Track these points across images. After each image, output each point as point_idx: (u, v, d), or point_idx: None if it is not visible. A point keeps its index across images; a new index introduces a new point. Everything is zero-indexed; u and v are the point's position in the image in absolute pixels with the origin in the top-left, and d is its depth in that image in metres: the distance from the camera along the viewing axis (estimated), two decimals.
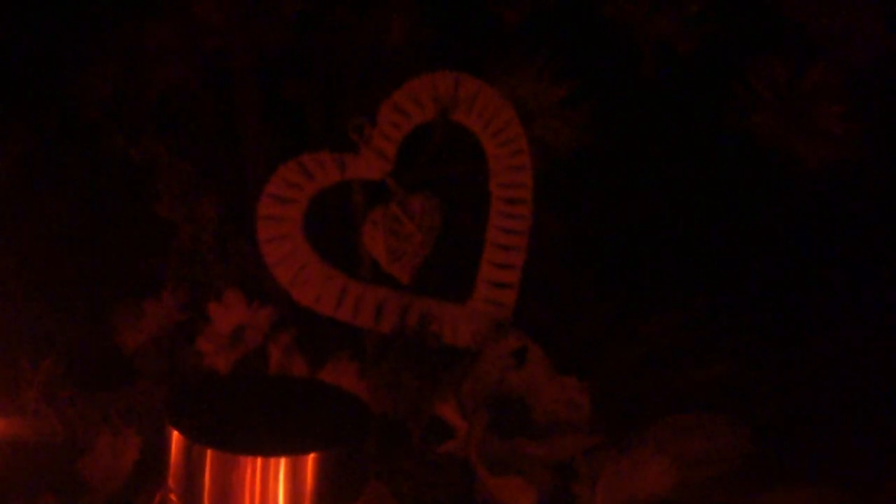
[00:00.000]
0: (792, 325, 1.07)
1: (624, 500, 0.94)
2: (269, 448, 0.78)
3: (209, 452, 0.78)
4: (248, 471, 0.77)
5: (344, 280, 1.04)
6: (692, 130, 1.06)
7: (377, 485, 0.87)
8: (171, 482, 0.79)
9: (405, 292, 1.04)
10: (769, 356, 1.05)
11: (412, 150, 1.03)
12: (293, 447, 0.78)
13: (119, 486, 1.00)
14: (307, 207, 1.03)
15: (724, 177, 1.07)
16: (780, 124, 1.05)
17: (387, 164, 1.03)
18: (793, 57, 1.05)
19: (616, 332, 1.06)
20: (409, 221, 1.02)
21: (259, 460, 0.77)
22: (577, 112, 1.07)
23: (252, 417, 0.82)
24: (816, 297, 1.08)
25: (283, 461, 0.78)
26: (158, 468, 0.81)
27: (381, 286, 1.04)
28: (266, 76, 1.09)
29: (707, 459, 0.97)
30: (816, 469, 0.98)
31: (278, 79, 1.09)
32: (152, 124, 1.11)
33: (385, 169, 1.03)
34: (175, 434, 0.78)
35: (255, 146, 1.10)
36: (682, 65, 1.06)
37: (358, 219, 1.06)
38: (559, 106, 1.07)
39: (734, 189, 1.07)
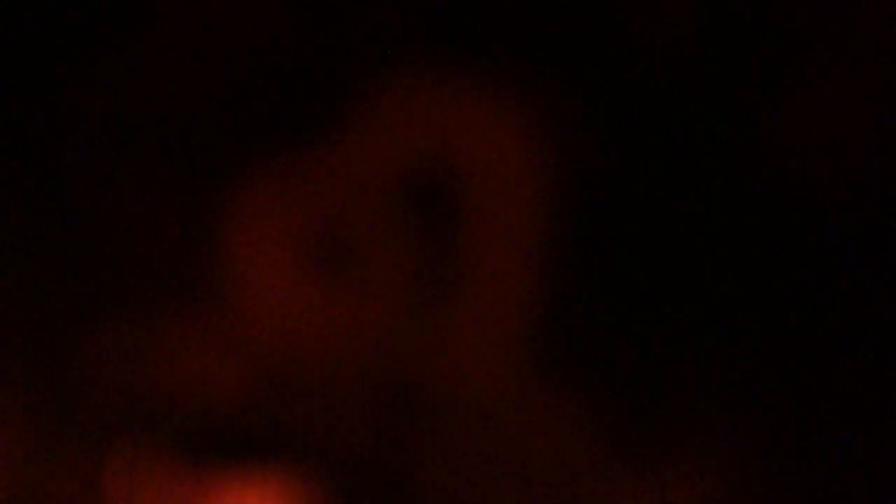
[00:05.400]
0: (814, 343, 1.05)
1: None
2: None
3: None
4: None
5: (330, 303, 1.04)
6: (702, 142, 1.06)
7: None
8: None
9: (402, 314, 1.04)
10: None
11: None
12: None
13: None
14: (287, 225, 1.05)
15: (738, 189, 1.06)
16: (793, 136, 1.05)
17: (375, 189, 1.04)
18: (805, 67, 1.05)
19: (633, 349, 1.04)
20: (400, 245, 1.04)
21: None
22: (581, 123, 1.06)
23: None
24: (838, 307, 1.05)
25: None
26: None
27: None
28: (247, 88, 1.08)
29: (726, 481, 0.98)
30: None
31: (260, 89, 1.09)
32: (129, 146, 1.10)
33: (373, 195, 1.04)
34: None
35: (235, 164, 1.08)
36: (691, 71, 1.06)
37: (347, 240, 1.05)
38: (563, 114, 1.06)
39: (747, 202, 1.06)
